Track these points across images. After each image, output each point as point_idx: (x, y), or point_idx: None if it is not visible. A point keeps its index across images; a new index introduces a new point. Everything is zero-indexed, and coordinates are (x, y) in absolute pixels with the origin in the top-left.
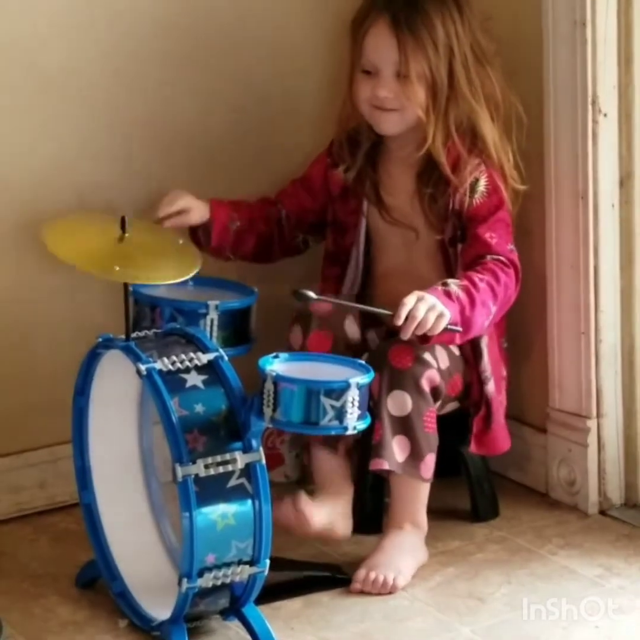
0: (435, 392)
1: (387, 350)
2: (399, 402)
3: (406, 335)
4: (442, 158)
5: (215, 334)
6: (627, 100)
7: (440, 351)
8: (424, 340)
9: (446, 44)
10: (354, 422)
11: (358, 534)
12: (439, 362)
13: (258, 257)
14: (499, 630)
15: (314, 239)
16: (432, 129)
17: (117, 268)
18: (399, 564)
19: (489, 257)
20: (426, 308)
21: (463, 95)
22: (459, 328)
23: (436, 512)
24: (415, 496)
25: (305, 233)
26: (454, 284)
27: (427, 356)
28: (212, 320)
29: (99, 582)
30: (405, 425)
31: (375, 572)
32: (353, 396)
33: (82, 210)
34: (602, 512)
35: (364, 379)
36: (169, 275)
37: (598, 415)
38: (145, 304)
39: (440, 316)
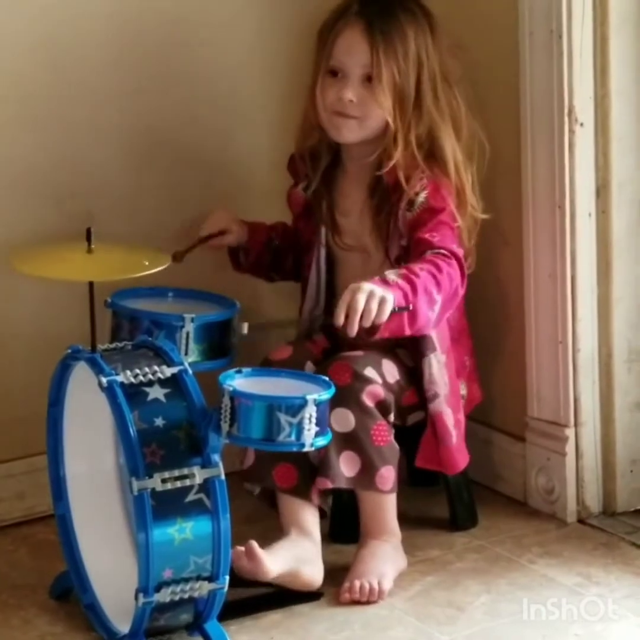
0: (382, 406)
1: (326, 368)
2: (341, 419)
3: (353, 331)
4: (401, 165)
5: (191, 346)
6: (603, 111)
7: (389, 365)
8: (372, 332)
9: (416, 55)
10: (312, 438)
11: (337, 544)
12: (385, 376)
13: (298, 274)
14: (478, 639)
15: None
16: (395, 136)
17: (92, 271)
18: (381, 569)
19: (429, 251)
20: (365, 296)
21: (428, 109)
22: (409, 306)
23: (415, 521)
24: (382, 507)
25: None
26: (391, 274)
27: (368, 372)
28: (187, 333)
29: (74, 594)
30: (351, 441)
31: (359, 581)
32: (310, 412)
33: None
34: (581, 521)
35: (322, 395)
36: (142, 268)
37: (576, 424)
38: (123, 316)
39: (382, 301)
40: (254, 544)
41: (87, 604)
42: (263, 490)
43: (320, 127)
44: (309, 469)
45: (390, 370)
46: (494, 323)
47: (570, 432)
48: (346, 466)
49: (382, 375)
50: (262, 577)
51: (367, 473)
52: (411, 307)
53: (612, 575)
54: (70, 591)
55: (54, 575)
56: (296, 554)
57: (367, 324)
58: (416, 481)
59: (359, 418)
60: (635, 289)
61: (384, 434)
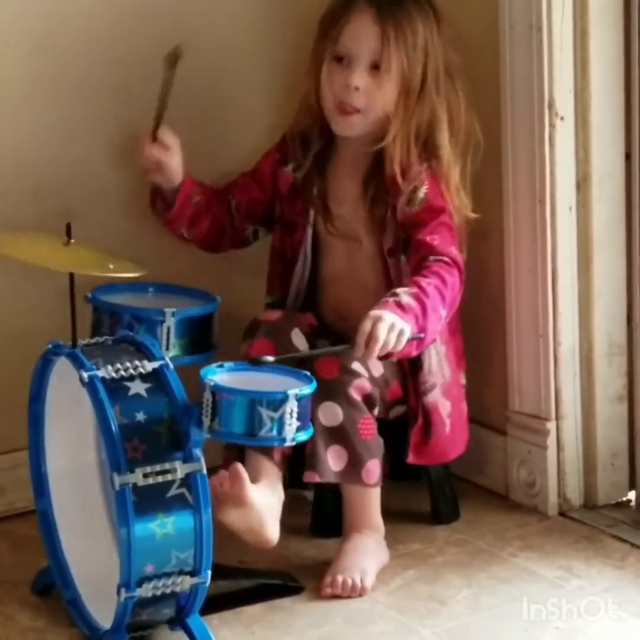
0: (369, 400)
1: (313, 362)
2: (329, 413)
3: (371, 359)
4: (397, 157)
5: (172, 341)
6: (584, 104)
7: (373, 359)
8: (385, 357)
9: (424, 46)
10: (294, 433)
11: (318, 538)
12: (371, 370)
13: (209, 241)
14: (460, 633)
15: (265, 230)
16: (395, 127)
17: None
18: (363, 565)
19: (432, 258)
20: (386, 329)
21: (430, 102)
22: (422, 335)
23: (397, 515)
24: (366, 501)
25: (255, 225)
26: (404, 294)
27: (355, 366)
28: (168, 328)
29: (56, 589)
30: (339, 435)
31: (342, 576)
32: (292, 407)
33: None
34: (562, 514)
35: (303, 389)
36: (126, 270)
37: (557, 418)
38: (103, 311)
39: (400, 334)
40: (239, 465)
41: (69, 600)
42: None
43: (317, 112)
44: None
45: (375, 364)
46: (474, 317)
47: (551, 425)
48: (334, 460)
49: (367, 369)
50: (240, 505)
51: (354, 467)
52: (423, 336)
53: (593, 568)
54: (52, 587)
55: (36, 570)
56: (265, 500)
57: (383, 353)
58: (398, 475)
59: (346, 412)
60: (616, 282)
61: (370, 428)
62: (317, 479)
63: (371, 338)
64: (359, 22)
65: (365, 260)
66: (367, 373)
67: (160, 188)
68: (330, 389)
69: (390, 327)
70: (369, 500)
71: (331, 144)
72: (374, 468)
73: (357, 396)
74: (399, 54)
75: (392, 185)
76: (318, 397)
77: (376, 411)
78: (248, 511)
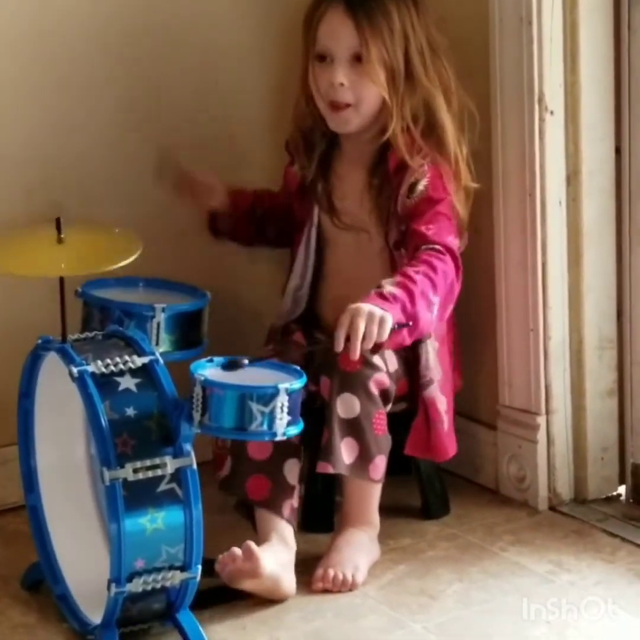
0: (385, 394)
1: (336, 354)
2: (347, 405)
3: (355, 355)
4: (401, 142)
5: (162, 336)
6: (574, 98)
7: (389, 354)
8: (375, 349)
9: (401, 30)
10: (284, 427)
11: (310, 533)
12: (388, 365)
13: (280, 242)
14: (450, 627)
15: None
16: (393, 116)
17: (63, 265)
18: (356, 561)
19: (424, 246)
20: (365, 320)
21: (420, 81)
22: (409, 323)
23: (387, 510)
24: (367, 496)
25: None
26: (388, 284)
27: (376, 359)
28: (158, 324)
29: (46, 584)
30: (354, 428)
31: (333, 570)
32: (282, 402)
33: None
34: (552, 508)
35: (294, 384)
36: (112, 261)
37: (547, 412)
38: (93, 305)
39: (382, 322)
40: (252, 543)
41: (59, 595)
42: (239, 501)
43: (314, 114)
44: (281, 483)
45: (391, 359)
46: (465, 311)
47: (541, 419)
48: (346, 452)
49: (385, 363)
50: (255, 577)
51: (363, 461)
52: (411, 324)
53: (583, 562)
54: (42, 582)
55: (26, 566)
56: (278, 559)
57: (369, 346)
58: (390, 470)
59: (364, 405)
60: (606, 276)
61: (382, 423)
62: (330, 470)
63: (350, 332)
64: (332, 18)
65: (373, 254)
66: (385, 367)
67: (214, 212)
68: (351, 380)
69: (369, 317)
70: (370, 496)
71: (335, 142)
72: (380, 464)
73: (375, 390)
74: (377, 44)
75: (395, 177)
76: (338, 388)
77: (389, 407)
78: (263, 580)
